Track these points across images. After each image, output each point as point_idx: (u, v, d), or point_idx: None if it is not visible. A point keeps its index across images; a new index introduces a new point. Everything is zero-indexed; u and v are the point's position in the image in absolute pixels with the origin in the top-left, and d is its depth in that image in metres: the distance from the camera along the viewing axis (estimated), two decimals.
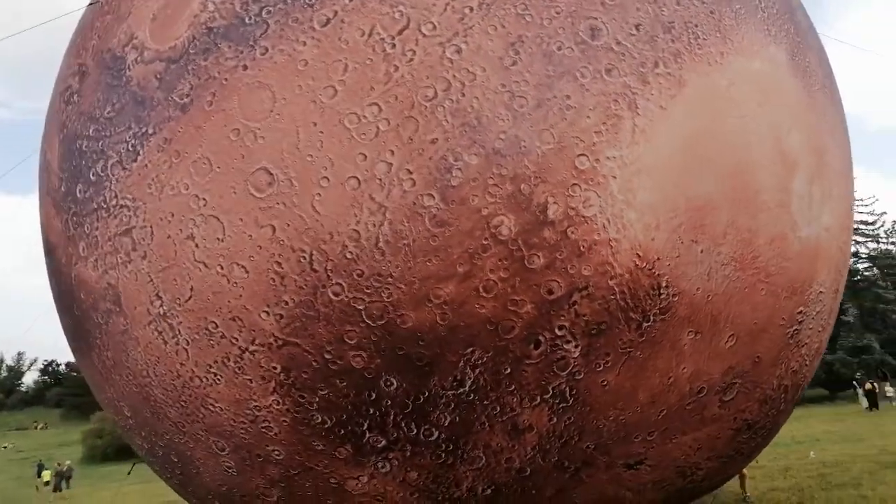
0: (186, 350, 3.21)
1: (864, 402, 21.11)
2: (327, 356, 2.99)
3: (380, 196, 2.83)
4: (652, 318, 3.03)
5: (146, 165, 3.17)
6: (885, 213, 33.91)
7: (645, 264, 2.97)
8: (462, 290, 2.87)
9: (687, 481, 3.62)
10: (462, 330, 2.91)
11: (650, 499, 3.56)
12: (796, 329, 3.54)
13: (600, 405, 3.12)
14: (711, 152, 3.08)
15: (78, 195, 3.49)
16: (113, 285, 3.37)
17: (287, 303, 2.96)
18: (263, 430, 3.22)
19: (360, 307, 2.90)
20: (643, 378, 3.12)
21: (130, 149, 3.22)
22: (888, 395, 23.43)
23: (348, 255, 2.87)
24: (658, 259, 2.99)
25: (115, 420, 4.11)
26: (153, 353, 3.33)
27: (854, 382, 24.78)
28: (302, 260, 2.91)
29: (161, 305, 3.21)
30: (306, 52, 2.94)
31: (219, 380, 3.19)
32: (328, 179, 2.87)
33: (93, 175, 3.39)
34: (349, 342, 2.95)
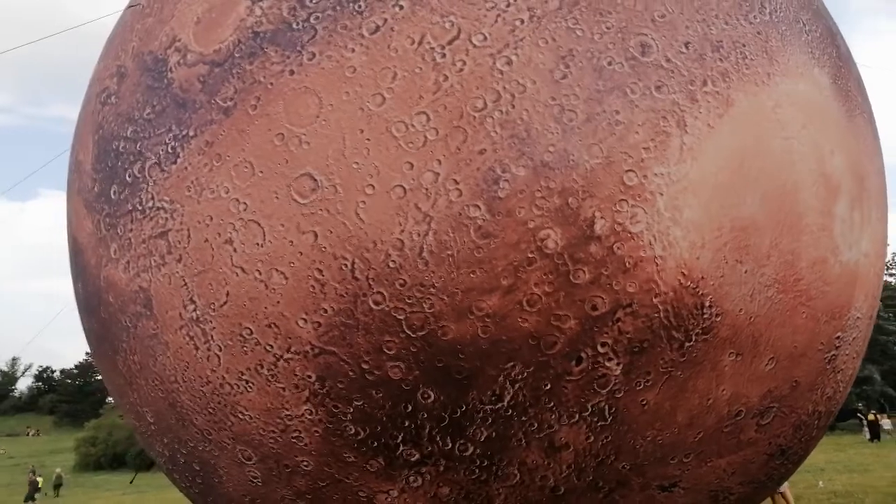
0: (218, 356, 3.16)
1: (867, 433, 21.04)
2: (364, 366, 2.94)
3: (425, 206, 2.80)
4: (694, 337, 2.99)
5: (186, 168, 3.14)
6: (887, 244, 33.96)
7: (689, 283, 2.93)
8: (505, 303, 2.83)
9: None
10: (504, 344, 2.87)
11: None
12: (833, 354, 3.50)
13: (639, 425, 3.07)
14: (756, 172, 3.06)
15: (112, 196, 3.46)
16: (144, 288, 3.33)
17: (326, 311, 2.92)
18: (293, 439, 3.16)
19: (401, 317, 2.86)
20: (682, 399, 3.08)
21: (170, 151, 3.20)
22: (885, 428, 23.46)
23: (391, 265, 2.84)
24: (702, 278, 2.95)
25: (134, 426, 4.05)
26: (183, 358, 3.28)
27: (858, 413, 24.75)
28: (343, 268, 2.87)
29: (194, 310, 3.17)
30: (355, 58, 2.92)
31: (250, 387, 3.14)
32: (373, 187, 2.84)
33: (129, 176, 3.36)
34: (388, 353, 2.91)
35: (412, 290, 2.84)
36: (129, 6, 3.86)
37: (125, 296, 3.44)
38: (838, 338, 3.49)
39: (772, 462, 3.59)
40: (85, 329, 4.11)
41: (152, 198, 3.25)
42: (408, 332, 2.87)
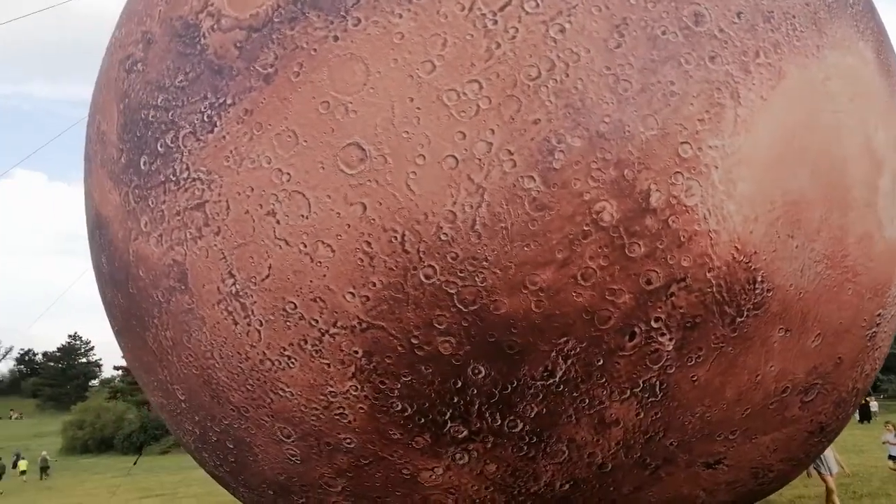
0: (259, 331, 3.09)
1: (857, 415, 21.44)
2: (414, 341, 2.88)
3: (478, 177, 2.73)
4: (746, 313, 2.96)
5: (224, 137, 3.04)
6: None
7: (742, 257, 2.89)
8: (559, 276, 2.78)
9: (758, 483, 3.55)
10: (557, 318, 2.82)
11: (721, 500, 3.49)
12: (874, 331, 3.49)
13: (688, 401, 3.04)
14: (808, 146, 3.02)
15: (142, 167, 3.35)
16: (179, 262, 3.24)
17: (375, 284, 2.85)
18: (337, 416, 3.10)
19: (453, 291, 2.80)
20: (732, 375, 3.05)
21: (206, 119, 3.09)
22: (873, 409, 23.96)
23: (443, 237, 2.77)
24: (755, 253, 2.91)
25: (161, 404, 3.97)
26: (220, 333, 3.20)
27: None
28: (393, 240, 2.80)
29: (234, 284, 3.08)
30: (402, 24, 2.83)
31: (293, 363, 3.07)
32: (424, 157, 2.76)
33: (161, 146, 3.25)
34: (438, 327, 2.85)
35: (464, 264, 2.78)
36: None
37: (157, 270, 3.35)
38: (879, 315, 3.48)
39: (811, 439, 3.59)
40: (107, 305, 4.01)
41: (187, 168, 3.15)
42: (459, 306, 2.81)
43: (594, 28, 2.79)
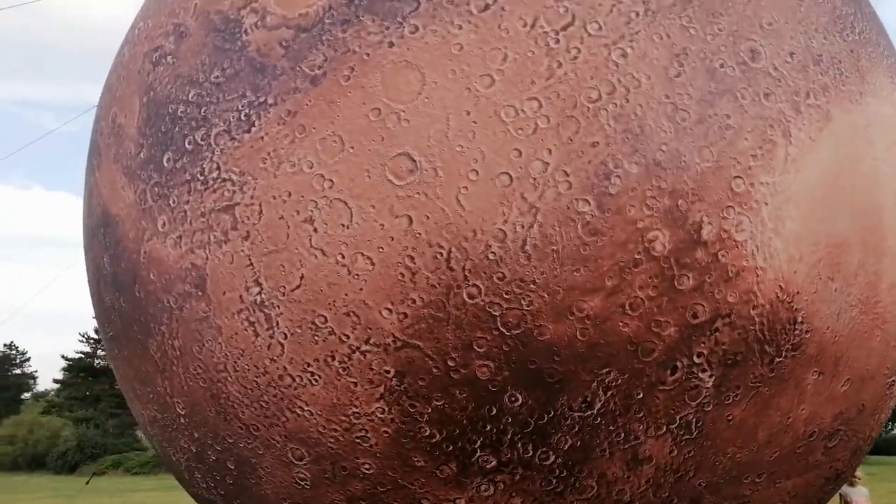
0: (282, 344, 2.92)
1: None
2: (450, 363, 2.76)
3: (532, 196, 2.66)
4: (784, 353, 2.92)
5: (262, 138, 2.91)
6: None
7: (786, 297, 2.87)
8: (607, 304, 2.70)
9: None
10: (601, 348, 2.73)
11: None
12: (893, 380, 3.50)
13: (722, 440, 2.97)
14: (850, 190, 3.04)
15: (165, 164, 3.18)
16: (198, 266, 3.07)
17: (414, 301, 2.73)
18: (358, 440, 2.94)
19: (497, 313, 2.70)
20: (766, 416, 3.00)
21: (243, 118, 2.96)
22: None
23: (490, 256, 2.67)
24: (798, 293, 2.89)
25: (152, 418, 3.73)
26: (238, 345, 3.02)
27: None
28: (438, 256, 2.69)
29: (259, 293, 2.92)
30: (462, 36, 2.77)
31: (316, 380, 2.91)
32: (477, 173, 2.68)
33: (189, 143, 3.10)
34: (478, 350, 2.73)
35: (511, 285, 2.68)
36: None
37: (172, 273, 3.16)
38: (891, 364, 3.49)
39: (827, 486, 3.55)
40: (103, 309, 3.77)
41: (217, 168, 3.00)
42: (502, 329, 2.71)
43: (655, 55, 2.77)
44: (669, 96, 2.75)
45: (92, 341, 46.34)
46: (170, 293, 3.20)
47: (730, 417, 2.94)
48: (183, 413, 3.44)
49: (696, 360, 2.80)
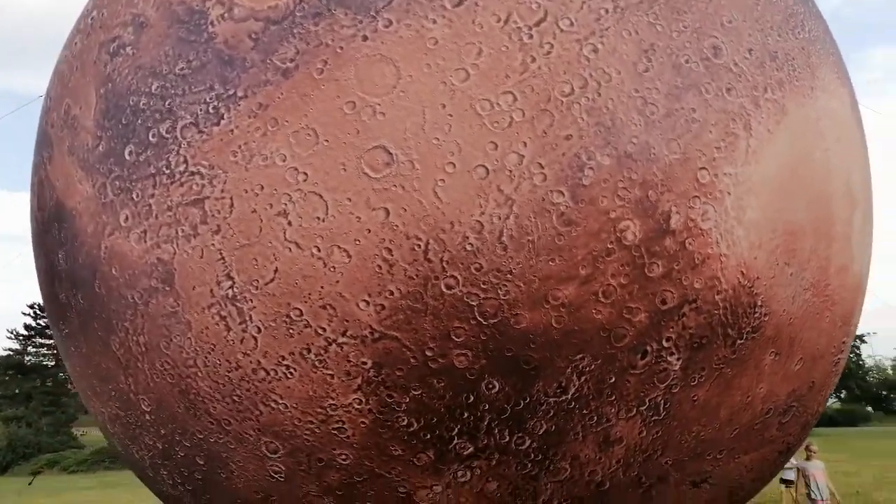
0: (255, 338, 2.90)
1: None
2: (428, 353, 2.79)
3: (508, 188, 2.70)
4: (745, 336, 3.06)
5: (231, 131, 2.86)
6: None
7: (746, 282, 3.00)
8: (581, 293, 2.78)
9: (731, 501, 3.67)
10: (576, 335, 2.81)
11: None
12: (839, 358, 3.71)
13: (687, 420, 3.10)
14: (804, 180, 3.19)
15: (127, 157, 3.09)
16: (165, 261, 3.00)
17: (392, 293, 2.74)
18: (334, 431, 2.95)
19: (474, 303, 2.74)
20: (727, 395, 3.14)
21: (211, 111, 2.90)
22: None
23: (468, 248, 2.71)
24: (758, 278, 3.03)
25: (113, 416, 3.63)
26: (208, 339, 2.98)
27: None
28: (416, 248, 2.71)
29: (231, 287, 2.88)
30: (436, 30, 2.78)
31: (291, 373, 2.90)
32: (454, 165, 2.70)
33: (153, 136, 3.02)
34: (455, 339, 2.77)
35: (488, 276, 2.72)
36: None
37: (136, 268, 3.08)
38: (843, 342, 3.70)
39: (779, 459, 3.75)
40: (58, 304, 3.65)
41: (185, 161, 2.93)
42: (479, 318, 2.75)
43: (625, 51, 2.84)
44: (639, 90, 2.83)
45: (22, 338, 44.42)
46: (134, 289, 3.12)
47: (695, 398, 3.06)
48: (148, 410, 3.37)
49: (664, 344, 2.91)
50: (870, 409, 49.49)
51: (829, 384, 3.76)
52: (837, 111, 3.46)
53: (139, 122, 3.07)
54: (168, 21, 3.12)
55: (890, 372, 51.85)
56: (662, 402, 3.01)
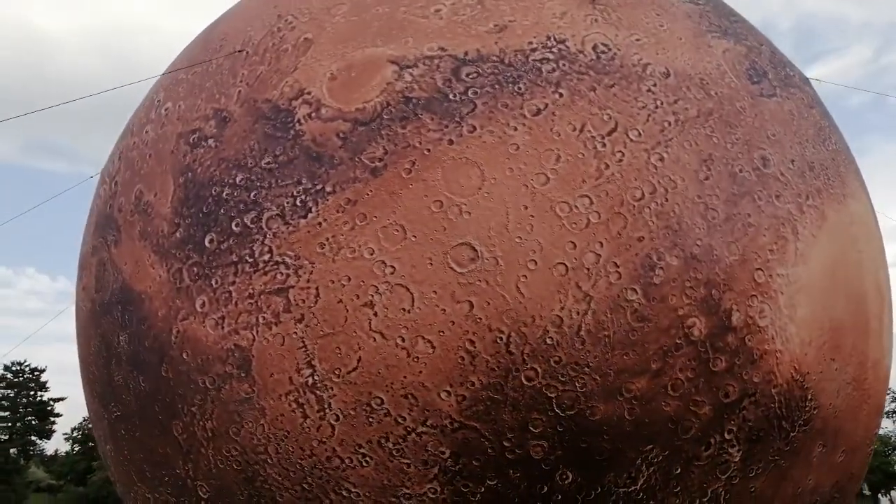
0: (333, 426, 2.95)
1: None
2: (506, 444, 2.87)
3: (586, 285, 2.86)
4: (797, 428, 3.21)
5: (319, 224, 3.00)
6: None
7: (798, 376, 3.17)
8: (652, 386, 2.91)
9: None
10: (646, 426, 2.93)
11: None
12: (871, 449, 3.87)
13: None
14: (843, 280, 3.42)
15: (207, 245, 3.20)
16: (243, 347, 3.07)
17: (473, 384, 2.85)
18: None
19: (552, 395, 2.85)
20: (781, 487, 3.26)
21: (299, 204, 3.04)
22: None
23: (548, 341, 2.84)
24: (808, 373, 3.21)
25: (163, 501, 3.59)
26: (283, 426, 3.02)
27: None
28: (498, 341, 2.84)
29: (312, 375, 2.96)
30: (518, 137, 2.99)
31: (367, 461, 2.95)
32: (535, 263, 2.86)
33: (236, 225, 3.14)
34: (533, 430, 2.87)
35: (566, 368, 2.85)
36: (228, 54, 3.69)
37: (211, 354, 3.14)
38: (875, 432, 3.87)
39: None
40: (113, 386, 3.65)
41: (269, 251, 3.05)
42: (557, 410, 2.86)
43: (687, 160, 3.09)
44: (701, 196, 3.06)
45: None
46: (206, 374, 3.17)
47: (752, 489, 3.17)
48: (206, 497, 3.35)
49: (726, 436, 3.04)
50: None
51: (862, 474, 3.90)
52: (863, 215, 3.75)
53: (222, 211, 3.19)
54: (253, 117, 3.30)
55: None
56: (723, 493, 3.11)
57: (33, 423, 50.41)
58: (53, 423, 51.89)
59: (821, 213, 3.39)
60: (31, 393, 50.22)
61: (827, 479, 3.47)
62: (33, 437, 51.44)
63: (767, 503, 3.25)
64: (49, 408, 51.01)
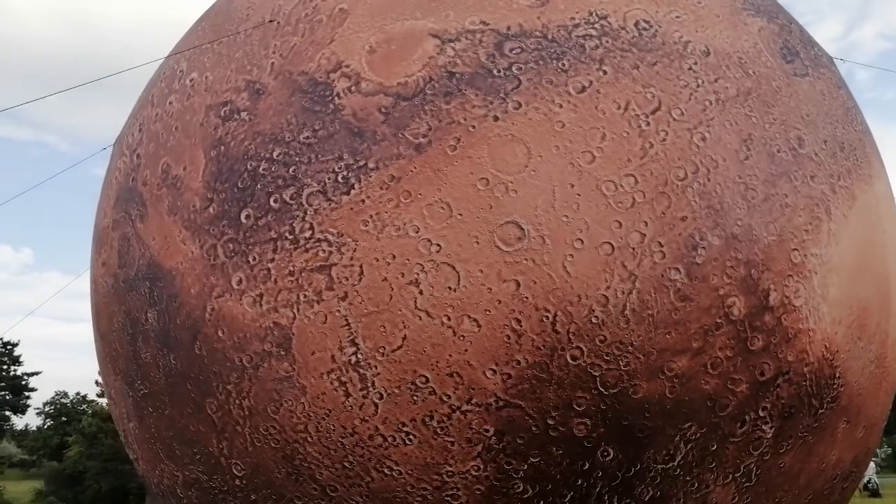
0: (376, 404, 2.95)
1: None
2: (550, 422, 2.90)
3: (631, 264, 2.88)
4: (825, 405, 3.28)
5: (362, 201, 2.96)
6: None
7: (829, 355, 3.24)
8: (693, 364, 2.95)
9: None
10: (686, 404, 2.97)
11: None
12: (884, 424, 3.97)
13: (773, 486, 3.28)
14: (871, 260, 3.48)
15: (243, 220, 3.14)
16: (283, 325, 3.04)
17: (519, 362, 2.86)
18: (448, 497, 3.00)
19: (597, 374, 2.87)
20: (807, 462, 3.34)
21: (340, 180, 3.00)
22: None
23: (594, 320, 2.86)
24: (837, 351, 3.27)
25: (192, 480, 3.57)
26: (325, 404, 3.01)
27: None
28: (544, 319, 2.85)
29: (355, 353, 2.94)
30: (563, 114, 2.97)
31: (410, 440, 2.95)
32: (582, 242, 2.87)
33: (275, 201, 3.09)
34: (577, 409, 2.89)
35: (611, 347, 2.87)
36: (256, 24, 3.59)
37: (248, 332, 3.11)
38: (888, 410, 3.98)
39: None
40: (140, 363, 3.60)
41: (310, 227, 3.01)
42: (601, 388, 2.89)
43: (728, 140, 3.10)
44: (742, 177, 3.07)
45: None
46: (244, 352, 3.13)
47: (781, 465, 3.25)
48: (240, 475, 3.33)
49: (760, 413, 3.10)
50: None
51: (874, 450, 4.01)
52: (886, 196, 3.80)
53: (258, 186, 3.14)
54: (289, 90, 3.23)
55: None
56: (755, 468, 3.18)
57: (7, 398, 49.74)
58: (28, 397, 51.29)
59: (851, 194, 3.43)
60: (5, 367, 49.46)
61: (848, 454, 3.56)
62: (7, 412, 50.78)
63: (795, 477, 3.33)
64: (24, 382, 50.33)
